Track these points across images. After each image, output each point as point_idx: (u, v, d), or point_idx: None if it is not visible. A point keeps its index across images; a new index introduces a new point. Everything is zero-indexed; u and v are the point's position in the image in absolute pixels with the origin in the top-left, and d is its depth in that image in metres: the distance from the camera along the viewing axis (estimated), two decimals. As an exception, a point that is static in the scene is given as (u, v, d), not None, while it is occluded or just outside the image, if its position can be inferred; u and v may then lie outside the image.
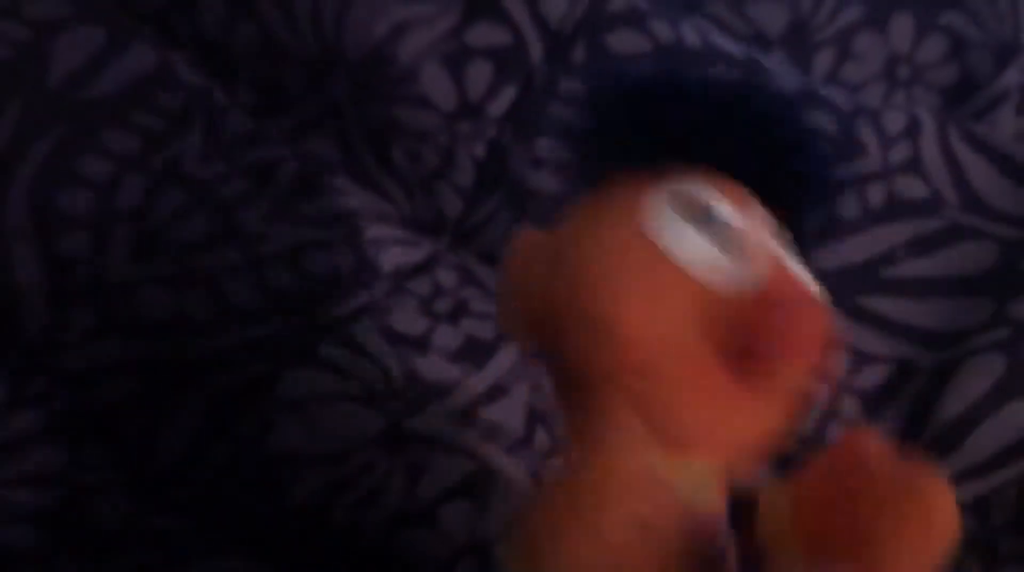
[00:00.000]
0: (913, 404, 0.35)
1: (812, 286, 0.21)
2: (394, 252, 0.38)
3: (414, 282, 0.38)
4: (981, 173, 0.37)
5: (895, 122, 0.36)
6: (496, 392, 0.36)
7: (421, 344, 0.37)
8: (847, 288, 0.36)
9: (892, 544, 0.19)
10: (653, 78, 0.23)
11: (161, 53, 0.39)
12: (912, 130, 0.36)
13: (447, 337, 0.36)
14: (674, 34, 0.36)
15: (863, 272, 0.36)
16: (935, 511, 0.19)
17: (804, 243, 0.23)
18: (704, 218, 0.21)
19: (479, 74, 0.37)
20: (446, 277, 0.39)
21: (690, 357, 0.20)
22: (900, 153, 0.36)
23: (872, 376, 0.36)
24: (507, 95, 0.37)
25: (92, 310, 0.36)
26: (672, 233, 0.21)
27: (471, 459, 0.36)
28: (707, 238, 0.21)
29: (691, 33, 0.36)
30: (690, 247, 0.20)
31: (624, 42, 0.36)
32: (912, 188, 0.36)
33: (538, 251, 0.21)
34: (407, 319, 0.37)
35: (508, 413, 0.36)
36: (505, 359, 0.36)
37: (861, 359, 0.36)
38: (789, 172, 0.22)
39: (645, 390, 0.20)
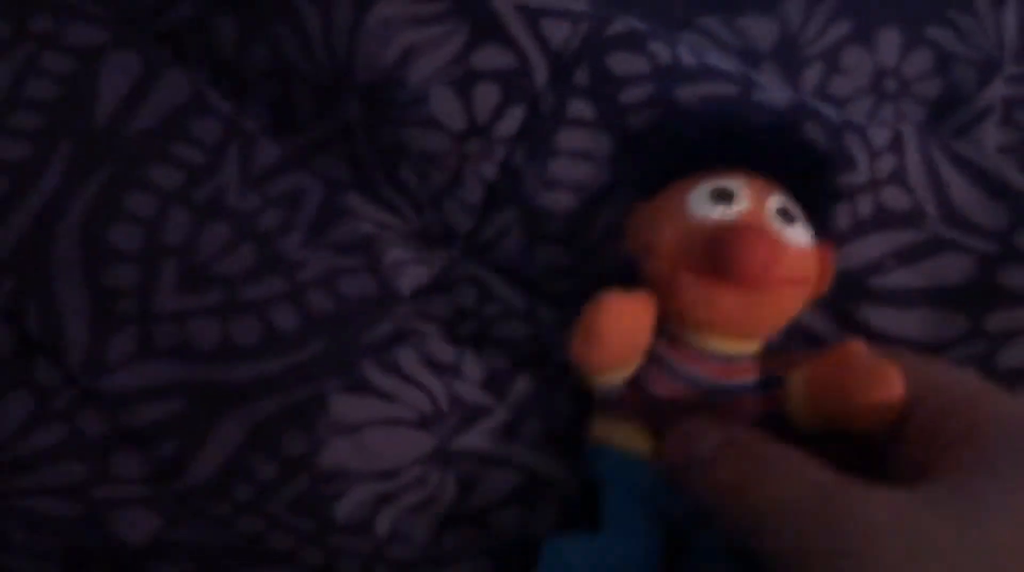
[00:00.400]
0: None
1: (786, 236, 0.34)
2: (410, 273, 0.40)
3: (433, 303, 0.40)
4: (960, 187, 0.38)
5: (880, 136, 0.37)
6: (520, 417, 0.38)
7: (455, 370, 0.38)
8: (840, 296, 0.37)
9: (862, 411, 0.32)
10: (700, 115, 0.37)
11: (192, 80, 0.40)
12: (896, 144, 0.37)
13: (474, 367, 0.39)
14: (671, 55, 0.37)
15: (853, 280, 0.38)
16: (890, 387, 0.32)
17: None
18: (720, 193, 0.34)
19: (486, 96, 0.38)
20: (465, 295, 0.40)
21: (687, 263, 0.33)
22: (886, 165, 0.37)
23: None
24: (514, 116, 0.38)
25: (135, 337, 0.37)
26: (694, 201, 0.34)
27: (520, 471, 0.38)
28: (715, 203, 0.34)
29: (687, 54, 0.37)
30: (702, 207, 0.34)
31: (624, 64, 0.37)
32: (898, 200, 0.38)
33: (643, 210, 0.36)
34: (437, 346, 0.38)
35: (535, 433, 0.38)
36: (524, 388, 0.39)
37: None
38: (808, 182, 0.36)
39: (667, 285, 0.34)
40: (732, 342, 0.35)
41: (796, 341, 0.38)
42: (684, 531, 0.36)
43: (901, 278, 0.38)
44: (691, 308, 0.34)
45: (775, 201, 0.34)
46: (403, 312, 0.38)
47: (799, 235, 0.34)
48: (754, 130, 0.37)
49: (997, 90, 0.44)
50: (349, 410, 0.36)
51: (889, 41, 0.44)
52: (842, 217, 0.38)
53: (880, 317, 0.37)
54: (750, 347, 0.35)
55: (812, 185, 0.37)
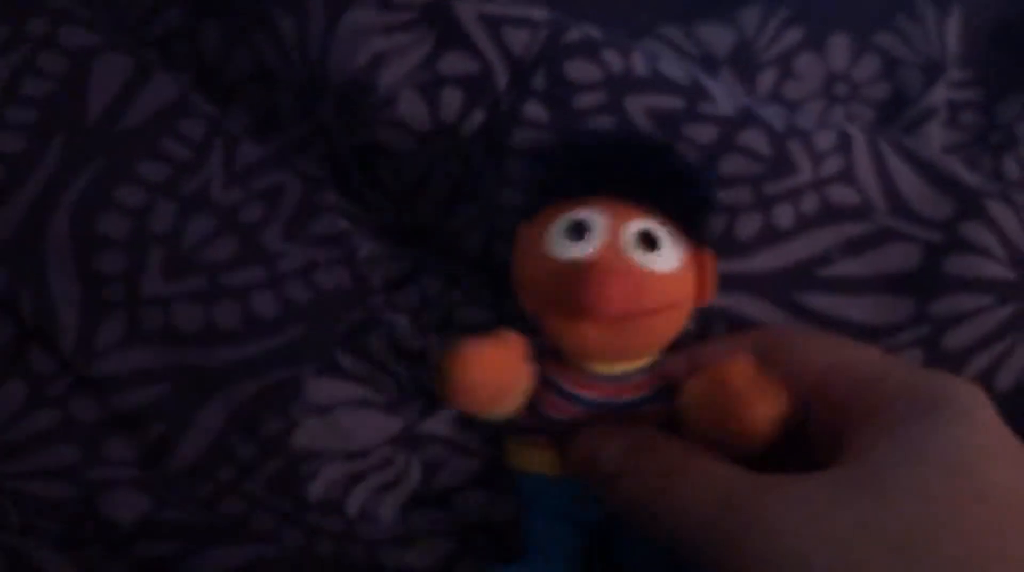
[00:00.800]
0: None
1: (647, 264, 0.34)
2: (384, 266, 0.42)
3: (403, 293, 0.42)
4: (907, 180, 0.40)
5: (825, 139, 0.39)
6: None
7: (422, 357, 0.40)
8: (786, 286, 0.39)
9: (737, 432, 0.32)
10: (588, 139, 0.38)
11: (179, 83, 0.42)
12: (843, 145, 0.39)
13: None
14: (624, 64, 0.39)
15: (800, 272, 0.40)
16: (765, 408, 0.32)
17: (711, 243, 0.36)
18: (575, 228, 0.34)
19: (451, 99, 0.40)
20: (431, 284, 0.43)
21: (550, 303, 0.34)
22: (832, 166, 0.39)
23: None
24: (477, 118, 0.40)
25: (123, 322, 0.39)
26: (551, 238, 0.34)
27: (481, 458, 0.40)
28: (571, 239, 0.34)
29: (641, 62, 0.39)
30: (558, 245, 0.34)
31: (579, 70, 0.39)
32: (844, 196, 0.39)
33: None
34: (405, 334, 0.41)
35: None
36: None
37: None
38: (677, 199, 0.35)
39: (536, 322, 0.35)
40: (615, 365, 0.36)
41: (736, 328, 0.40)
42: (607, 534, 0.37)
43: (847, 267, 0.40)
44: (562, 344, 0.35)
45: (634, 227, 0.34)
46: (375, 302, 0.41)
47: (663, 259, 0.34)
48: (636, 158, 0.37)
49: (940, 92, 0.47)
50: (322, 392, 0.38)
51: (839, 47, 0.47)
52: (783, 217, 0.39)
53: (826, 303, 0.39)
54: (637, 365, 0.36)
55: (696, 200, 0.38)
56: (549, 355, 0.36)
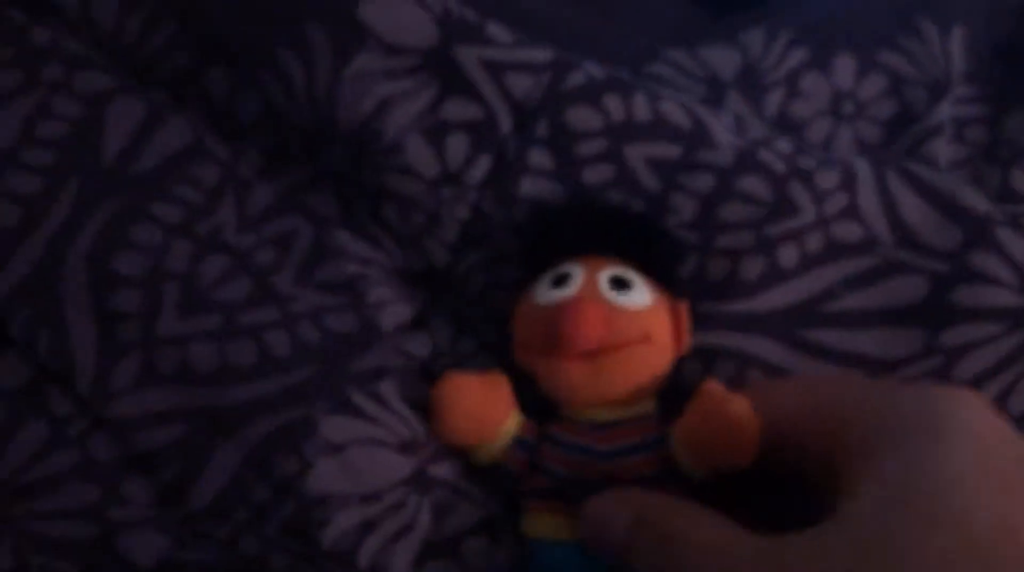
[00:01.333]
0: None
1: (618, 301, 0.37)
2: (392, 310, 0.42)
3: (413, 341, 0.43)
4: (914, 209, 0.40)
5: (829, 179, 0.40)
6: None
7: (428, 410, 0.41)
8: (793, 324, 0.40)
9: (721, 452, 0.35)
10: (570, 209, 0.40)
11: (193, 126, 0.43)
12: (848, 182, 0.40)
13: None
14: (624, 110, 0.40)
15: (807, 309, 0.40)
16: (745, 431, 0.35)
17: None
18: (558, 279, 0.38)
19: (457, 145, 0.40)
20: (441, 332, 0.43)
21: (535, 347, 0.38)
22: (836, 204, 0.40)
23: None
24: (483, 164, 0.40)
25: (139, 362, 0.40)
26: (538, 290, 0.39)
27: (483, 508, 0.41)
28: (554, 288, 0.38)
29: (642, 106, 0.40)
30: (544, 294, 0.38)
31: (580, 118, 0.40)
32: (849, 232, 0.40)
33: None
34: (415, 384, 0.42)
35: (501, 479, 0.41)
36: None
37: None
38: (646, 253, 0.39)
39: (528, 371, 0.39)
40: (604, 410, 0.38)
41: (755, 373, 0.40)
42: None
43: (854, 302, 0.40)
44: (549, 388, 0.38)
45: (608, 273, 0.38)
46: (386, 348, 0.41)
47: (634, 297, 0.37)
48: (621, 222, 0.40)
49: (945, 110, 0.47)
50: (336, 430, 0.39)
51: (844, 66, 0.47)
52: (787, 257, 0.40)
53: (834, 339, 0.40)
54: (628, 411, 0.38)
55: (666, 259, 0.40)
56: (547, 416, 0.39)
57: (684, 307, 0.39)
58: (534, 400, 0.40)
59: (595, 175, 0.40)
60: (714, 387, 0.36)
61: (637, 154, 0.40)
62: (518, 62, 0.41)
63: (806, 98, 0.46)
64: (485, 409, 0.38)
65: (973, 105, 0.48)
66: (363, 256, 0.43)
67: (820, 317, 0.40)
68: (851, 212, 0.40)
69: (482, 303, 0.43)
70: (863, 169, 0.41)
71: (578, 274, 0.38)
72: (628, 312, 0.37)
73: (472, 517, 0.40)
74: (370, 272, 0.43)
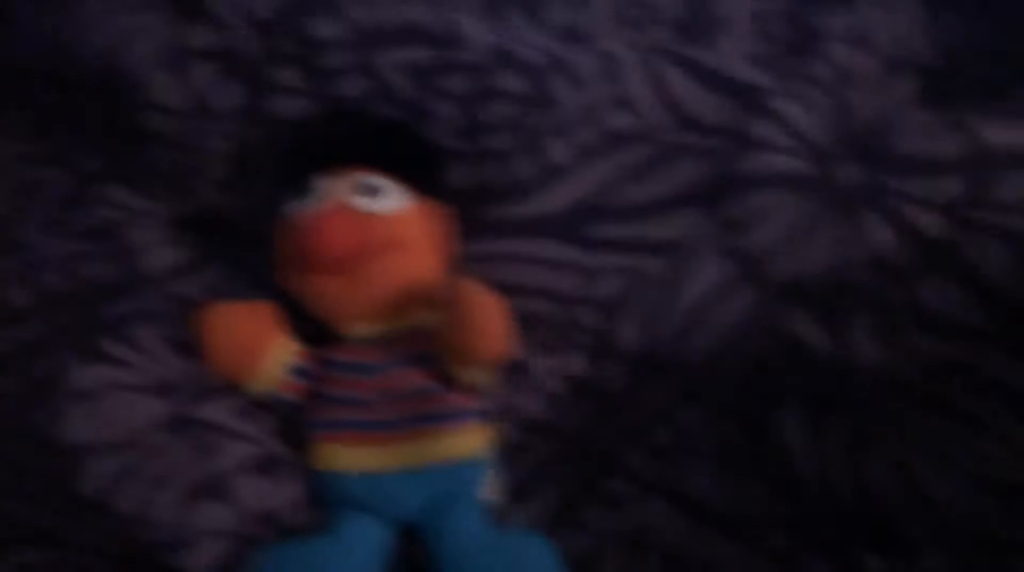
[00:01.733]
0: (648, 305, 0.38)
1: (369, 207, 0.35)
2: (162, 254, 0.41)
3: (183, 282, 0.41)
4: (688, 92, 0.39)
5: (588, 65, 0.38)
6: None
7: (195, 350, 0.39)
8: (576, 222, 0.38)
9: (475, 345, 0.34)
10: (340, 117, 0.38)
11: None
12: (609, 68, 0.38)
13: None
14: (370, 17, 0.38)
15: (588, 206, 0.38)
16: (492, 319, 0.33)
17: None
18: (300, 190, 0.37)
19: (204, 74, 0.39)
20: (213, 274, 0.41)
21: (294, 265, 0.36)
22: (602, 92, 0.38)
23: (607, 287, 0.38)
24: (234, 91, 0.39)
25: None
26: (287, 207, 0.37)
27: (256, 445, 0.38)
28: (300, 200, 0.36)
29: (388, 11, 0.38)
30: (290, 209, 0.37)
31: (324, 28, 0.38)
32: (621, 121, 0.38)
33: None
34: (180, 326, 0.39)
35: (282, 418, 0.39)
36: None
37: (593, 274, 0.39)
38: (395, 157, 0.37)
39: (290, 291, 0.37)
40: (373, 325, 0.37)
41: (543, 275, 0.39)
42: (419, 530, 0.36)
43: (638, 192, 0.38)
44: (311, 305, 0.37)
45: (355, 179, 0.36)
46: (148, 292, 0.39)
47: (383, 203, 0.36)
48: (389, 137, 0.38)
49: (739, 2, 0.44)
50: (85, 378, 0.37)
51: None
52: (558, 152, 0.38)
53: (621, 232, 0.38)
54: (400, 324, 0.37)
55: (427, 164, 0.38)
56: (329, 341, 0.37)
57: (444, 212, 0.37)
58: (317, 329, 0.38)
59: (348, 87, 0.38)
60: (463, 282, 0.34)
61: (388, 61, 0.38)
62: None
63: (589, 8, 0.43)
64: (249, 338, 0.36)
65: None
66: (127, 204, 0.41)
67: (604, 212, 0.38)
68: (620, 99, 0.39)
69: (257, 241, 0.40)
70: (628, 56, 0.39)
71: (323, 185, 0.36)
72: (377, 217, 0.35)
73: (243, 455, 0.38)
74: (134, 219, 0.41)
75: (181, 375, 0.38)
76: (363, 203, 0.35)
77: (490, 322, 0.33)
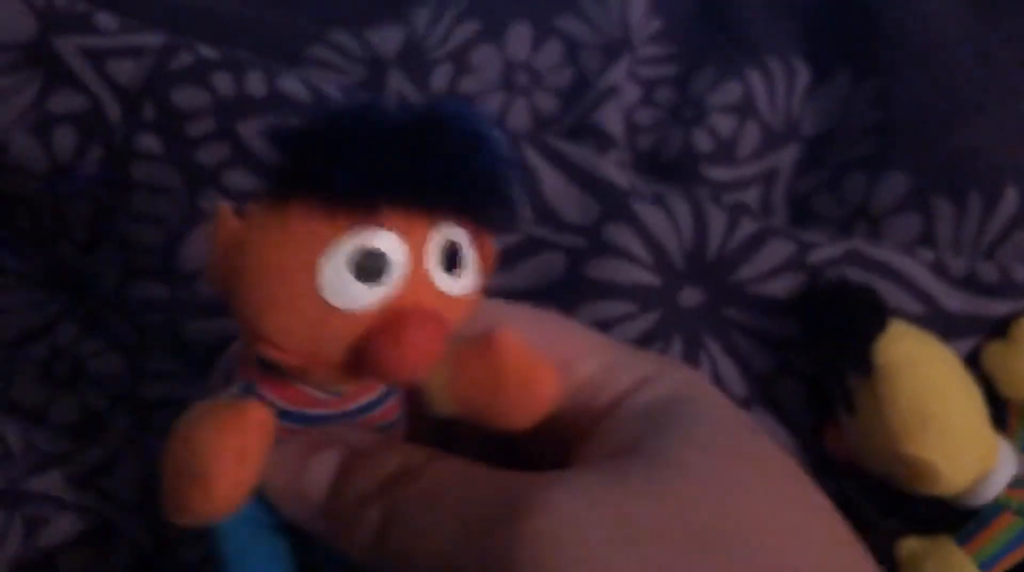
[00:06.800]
0: None
1: (452, 291, 0.24)
2: (17, 318, 0.40)
3: (35, 346, 0.40)
4: (554, 185, 0.38)
5: None
6: (110, 462, 0.38)
7: (39, 417, 0.39)
8: None
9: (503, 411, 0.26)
10: (342, 114, 0.23)
11: None
12: None
13: (63, 410, 0.39)
14: (235, 86, 0.38)
15: None
16: (536, 389, 0.26)
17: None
18: (367, 265, 0.23)
19: (64, 138, 0.38)
20: (64, 333, 0.41)
21: (323, 359, 0.23)
22: None
23: None
24: (94, 155, 0.38)
25: None
26: (331, 277, 0.23)
27: (91, 516, 0.38)
28: (362, 280, 0.23)
29: (256, 82, 0.38)
30: (343, 289, 0.23)
31: (187, 98, 0.38)
32: None
33: (231, 235, 0.24)
34: (26, 390, 0.39)
35: (122, 481, 0.38)
36: (115, 432, 0.39)
37: None
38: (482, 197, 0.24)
39: (292, 371, 0.25)
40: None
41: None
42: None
43: (501, 281, 0.37)
44: (315, 384, 0.26)
45: (437, 244, 0.24)
46: (1, 358, 0.39)
47: (466, 281, 0.25)
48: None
49: (622, 71, 0.44)
50: None
51: (519, 36, 0.45)
52: None
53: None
54: None
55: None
56: (256, 365, 0.26)
57: (491, 243, 0.27)
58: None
59: (209, 155, 0.38)
60: (509, 337, 0.26)
61: (252, 128, 0.38)
62: (123, 47, 0.39)
63: (476, 72, 0.44)
64: (248, 463, 0.25)
65: (663, 65, 0.46)
66: None
67: None
68: None
69: (117, 301, 0.40)
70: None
71: (399, 254, 0.24)
72: (459, 302, 0.25)
73: (71, 530, 0.37)
74: (5, 278, 0.41)
75: (17, 444, 0.38)
76: (446, 282, 0.24)
77: (540, 394, 0.26)
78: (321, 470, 0.26)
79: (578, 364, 0.30)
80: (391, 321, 0.23)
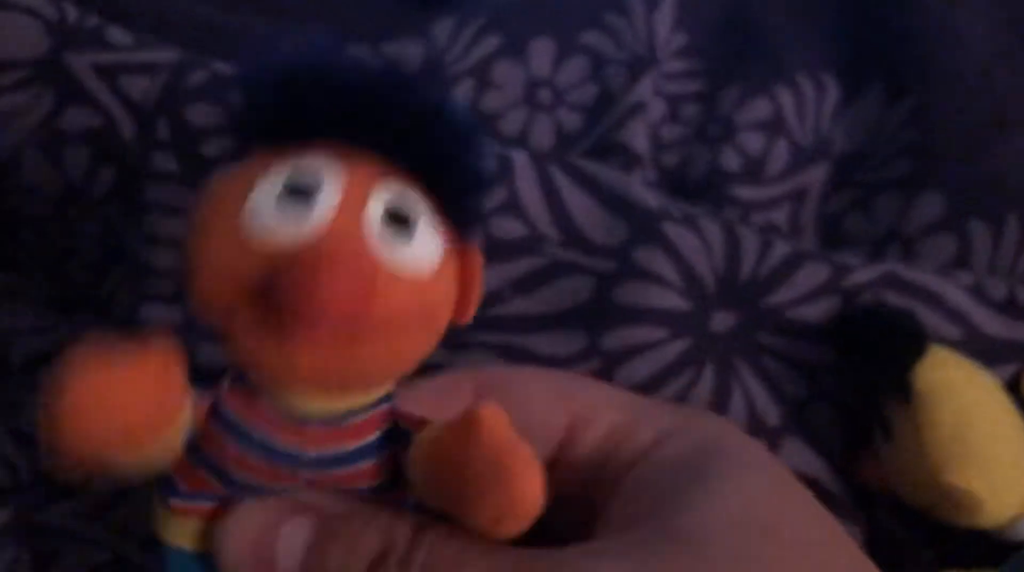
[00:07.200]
0: None
1: (395, 257, 0.22)
2: (27, 342, 0.39)
3: (45, 371, 0.39)
4: (580, 206, 0.37)
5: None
6: (121, 494, 0.36)
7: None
8: (453, 330, 0.36)
9: (475, 507, 0.22)
10: (302, 62, 0.23)
11: None
12: (504, 172, 0.36)
13: None
14: None
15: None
16: (516, 492, 0.22)
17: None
18: (297, 189, 0.22)
19: (77, 158, 0.38)
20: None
21: (245, 298, 0.22)
22: (495, 197, 0.36)
23: None
24: (107, 175, 0.38)
25: None
26: (258, 201, 0.22)
27: (102, 549, 0.37)
28: (289, 205, 0.22)
29: None
30: (266, 213, 0.21)
31: (202, 116, 0.37)
32: (509, 229, 0.36)
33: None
34: (35, 419, 0.37)
35: (133, 513, 0.36)
36: None
37: None
38: (447, 163, 0.23)
39: (219, 327, 0.23)
40: (335, 401, 0.24)
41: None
42: None
43: (520, 306, 0.36)
44: (256, 363, 0.23)
45: (382, 197, 0.23)
46: (11, 385, 0.38)
47: (417, 250, 0.23)
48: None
49: (647, 87, 0.43)
50: None
51: (542, 51, 0.44)
52: None
53: (501, 340, 0.36)
54: (365, 400, 0.25)
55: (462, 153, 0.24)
56: (234, 382, 0.25)
57: (478, 258, 0.25)
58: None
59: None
60: (489, 415, 0.23)
61: None
62: (136, 64, 0.38)
63: (499, 88, 0.43)
64: (134, 405, 0.22)
65: (688, 80, 0.45)
66: (5, 284, 0.40)
67: (484, 322, 0.36)
68: (511, 206, 0.37)
69: (129, 323, 0.39)
70: (521, 160, 0.37)
71: (333, 185, 0.22)
72: (406, 277, 0.22)
73: (85, 564, 0.36)
74: (13, 301, 0.40)
75: (26, 474, 0.37)
76: (389, 247, 0.22)
77: (518, 476, 0.22)
78: (292, 544, 0.24)
79: (597, 418, 0.29)
80: (309, 256, 0.21)
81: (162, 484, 0.25)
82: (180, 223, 0.38)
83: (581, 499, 0.28)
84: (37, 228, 0.38)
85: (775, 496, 0.26)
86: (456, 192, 0.24)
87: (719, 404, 0.36)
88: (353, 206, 0.22)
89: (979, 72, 0.42)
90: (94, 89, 0.37)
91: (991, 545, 0.35)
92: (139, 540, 0.36)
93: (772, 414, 0.36)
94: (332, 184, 0.22)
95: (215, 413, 0.24)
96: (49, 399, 0.22)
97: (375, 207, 0.22)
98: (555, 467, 0.29)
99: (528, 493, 0.22)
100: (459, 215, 0.24)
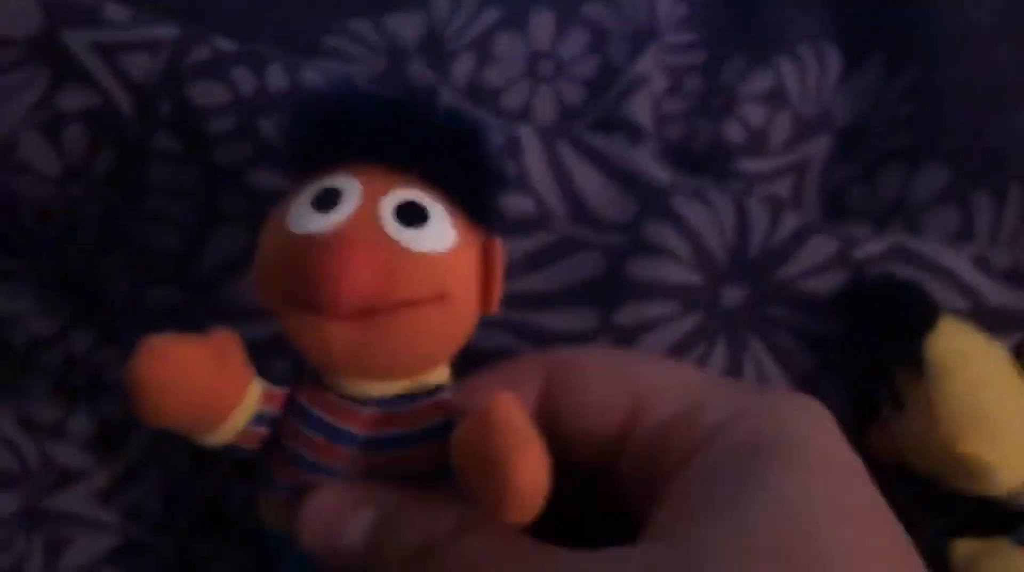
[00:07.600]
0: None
1: (406, 240, 0.26)
2: (25, 326, 0.38)
3: (48, 354, 0.39)
4: (590, 182, 0.37)
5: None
6: (132, 477, 0.37)
7: (56, 430, 0.37)
8: None
9: (480, 493, 0.25)
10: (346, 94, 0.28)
11: None
12: (512, 149, 0.36)
13: (82, 424, 0.37)
14: (256, 81, 0.36)
15: None
16: (513, 481, 0.23)
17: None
18: (324, 197, 0.26)
19: (75, 137, 0.37)
20: (78, 341, 0.39)
21: (287, 290, 0.26)
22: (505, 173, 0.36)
23: None
24: (107, 155, 0.37)
25: None
26: (296, 210, 0.26)
27: (114, 535, 0.37)
28: (317, 210, 0.26)
29: (278, 76, 0.36)
30: (302, 217, 0.26)
31: (205, 94, 0.36)
32: (520, 205, 0.36)
33: None
34: (41, 402, 0.37)
35: (146, 495, 0.37)
36: (137, 444, 0.37)
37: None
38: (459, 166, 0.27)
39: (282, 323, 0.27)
40: (376, 383, 0.28)
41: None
42: None
43: (530, 283, 0.36)
44: (302, 347, 0.27)
45: (395, 197, 0.26)
46: (9, 368, 0.38)
47: (430, 236, 0.26)
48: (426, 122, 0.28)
49: (649, 60, 0.43)
50: None
51: (543, 23, 0.43)
52: None
53: (515, 317, 0.36)
54: (409, 386, 0.28)
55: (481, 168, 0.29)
56: (308, 378, 0.28)
57: (499, 248, 0.28)
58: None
59: (230, 154, 0.36)
60: (500, 406, 0.25)
61: (273, 126, 0.36)
62: (136, 41, 0.37)
63: (499, 61, 0.43)
64: (204, 382, 0.26)
65: (690, 52, 0.45)
66: (6, 267, 0.39)
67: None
68: (520, 183, 0.36)
69: (130, 307, 0.38)
70: (529, 137, 0.37)
71: (352, 194, 0.26)
72: (418, 258, 0.26)
73: (96, 549, 0.36)
74: (9, 284, 0.39)
75: (34, 461, 0.36)
76: (401, 234, 0.26)
77: (528, 474, 0.24)
78: (356, 532, 0.27)
79: (658, 404, 0.29)
80: (330, 239, 0.25)
81: (259, 475, 0.29)
82: (182, 202, 0.37)
83: (646, 484, 0.28)
84: (36, 210, 0.37)
85: (830, 505, 0.25)
86: (470, 192, 0.28)
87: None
88: (370, 203, 0.26)
89: (982, 43, 0.42)
90: (92, 67, 0.36)
91: (1001, 514, 0.36)
92: (154, 523, 0.36)
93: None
94: (354, 190, 0.26)
95: (291, 404, 0.28)
96: (129, 373, 0.25)
97: (390, 201, 0.26)
98: (618, 453, 0.29)
99: (525, 482, 0.23)
100: (475, 211, 0.28)
